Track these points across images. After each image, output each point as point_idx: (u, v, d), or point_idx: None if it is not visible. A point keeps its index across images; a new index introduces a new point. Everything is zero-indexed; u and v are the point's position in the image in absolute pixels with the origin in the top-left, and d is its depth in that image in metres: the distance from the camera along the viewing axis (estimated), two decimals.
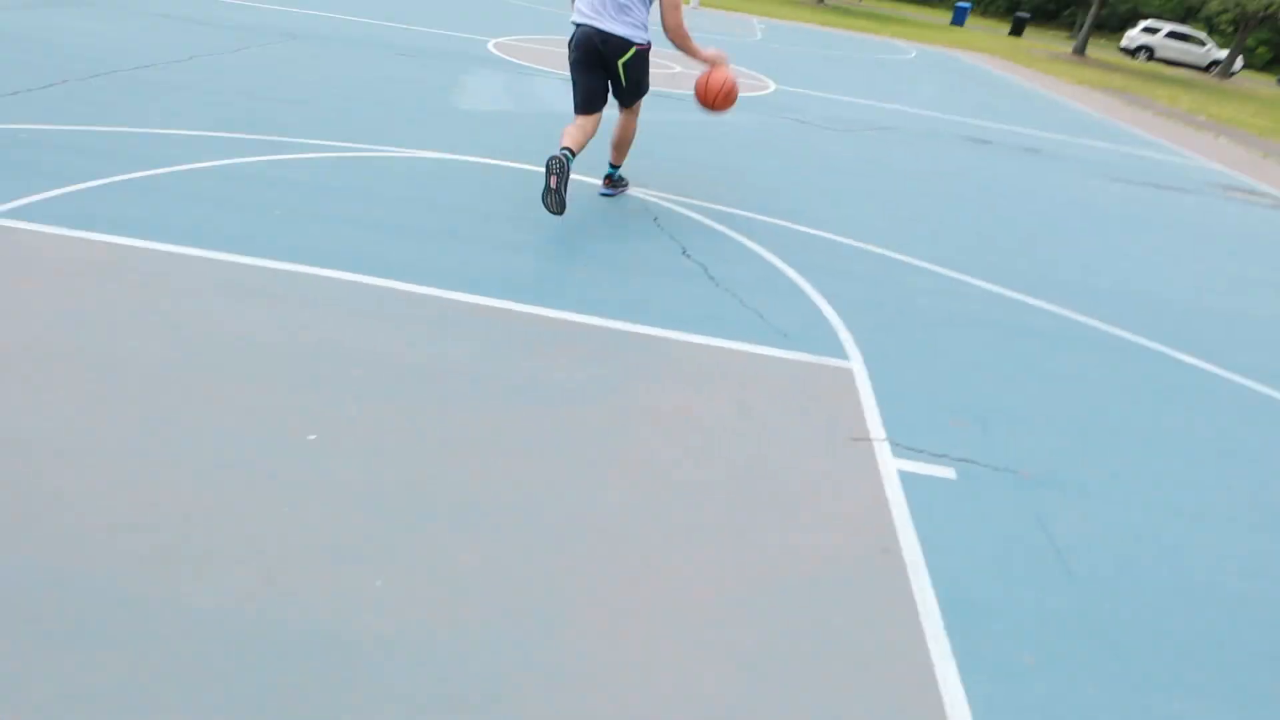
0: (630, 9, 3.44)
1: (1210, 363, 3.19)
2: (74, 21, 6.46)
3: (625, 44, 3.47)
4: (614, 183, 3.98)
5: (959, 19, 32.09)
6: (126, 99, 4.30)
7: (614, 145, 3.88)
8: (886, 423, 2.30)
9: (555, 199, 3.21)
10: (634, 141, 3.93)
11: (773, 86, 8.46)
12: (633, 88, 3.65)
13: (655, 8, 3.54)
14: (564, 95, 6.02)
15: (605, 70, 3.54)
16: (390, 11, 9.48)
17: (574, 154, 3.35)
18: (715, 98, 3.62)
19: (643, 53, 3.57)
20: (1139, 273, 4.24)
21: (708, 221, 3.84)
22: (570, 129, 3.52)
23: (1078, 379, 2.86)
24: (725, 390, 2.35)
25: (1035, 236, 4.59)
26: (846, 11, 28.42)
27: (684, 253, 3.41)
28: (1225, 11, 27.58)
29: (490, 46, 8.11)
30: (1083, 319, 3.43)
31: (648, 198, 4.05)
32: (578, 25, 3.51)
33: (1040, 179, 6.17)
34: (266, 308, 2.40)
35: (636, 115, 3.83)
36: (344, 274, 2.70)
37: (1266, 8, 24.18)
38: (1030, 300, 3.55)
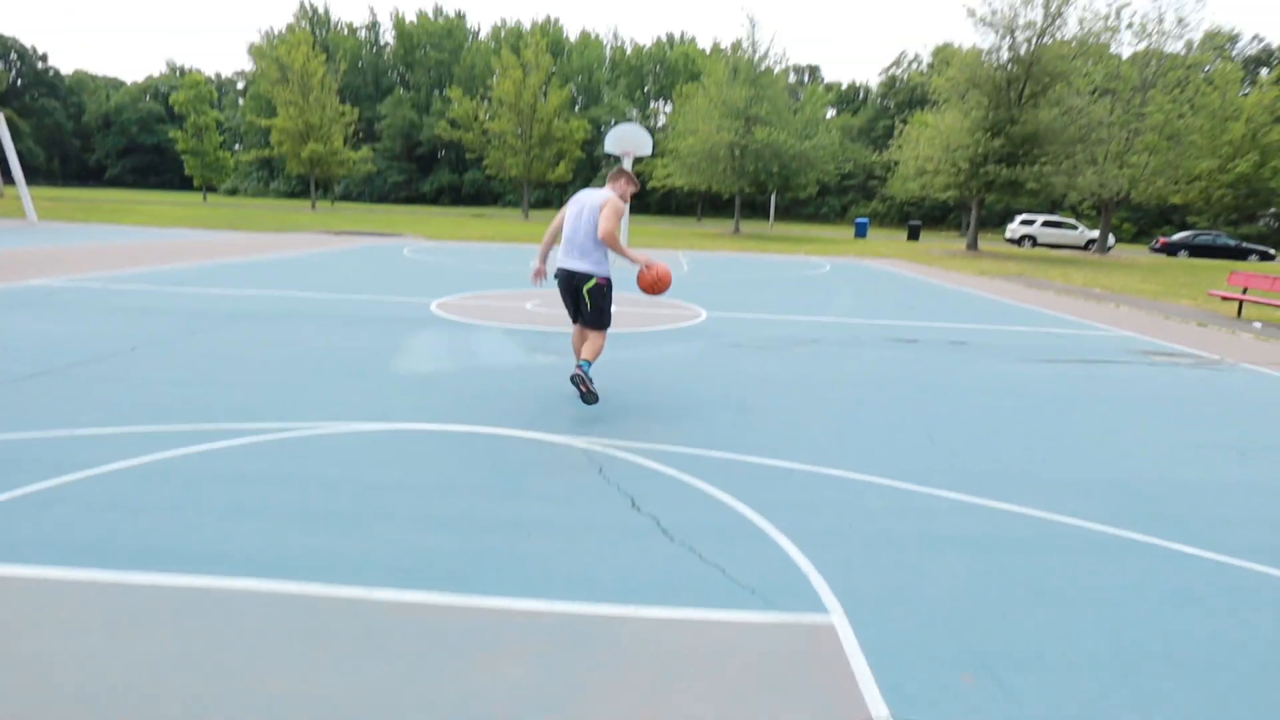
0: (589, 251, 4.48)
1: (1214, 551, 3.00)
2: (24, 323, 6.52)
3: (586, 276, 4.49)
4: (584, 376, 4.38)
5: (861, 232, 35.90)
6: (51, 400, 4.14)
7: (584, 348, 4.57)
8: (886, 693, 1.98)
9: (590, 399, 4.34)
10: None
11: (704, 315, 8.92)
12: (595, 314, 4.56)
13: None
14: (505, 347, 6.24)
15: (574, 296, 4.58)
16: (339, 285, 9.98)
17: (588, 361, 4.43)
18: (652, 286, 4.63)
19: (601, 285, 4.51)
20: (1101, 456, 4.19)
21: (655, 465, 3.70)
22: (574, 340, 4.81)
23: (1079, 595, 2.61)
24: (693, 683, 2.02)
25: (986, 432, 4.57)
26: (761, 238, 31.52)
27: (633, 505, 3.21)
28: (1084, 200, 31.61)
29: (433, 307, 8.45)
30: (1060, 519, 3.27)
31: (591, 446, 3.93)
32: (559, 267, 4.59)
33: (974, 370, 6.36)
34: (159, 639, 2.04)
35: (601, 337, 4.62)
36: (256, 582, 2.39)
37: (1117, 194, 27.83)
38: (1000, 505, 3.40)
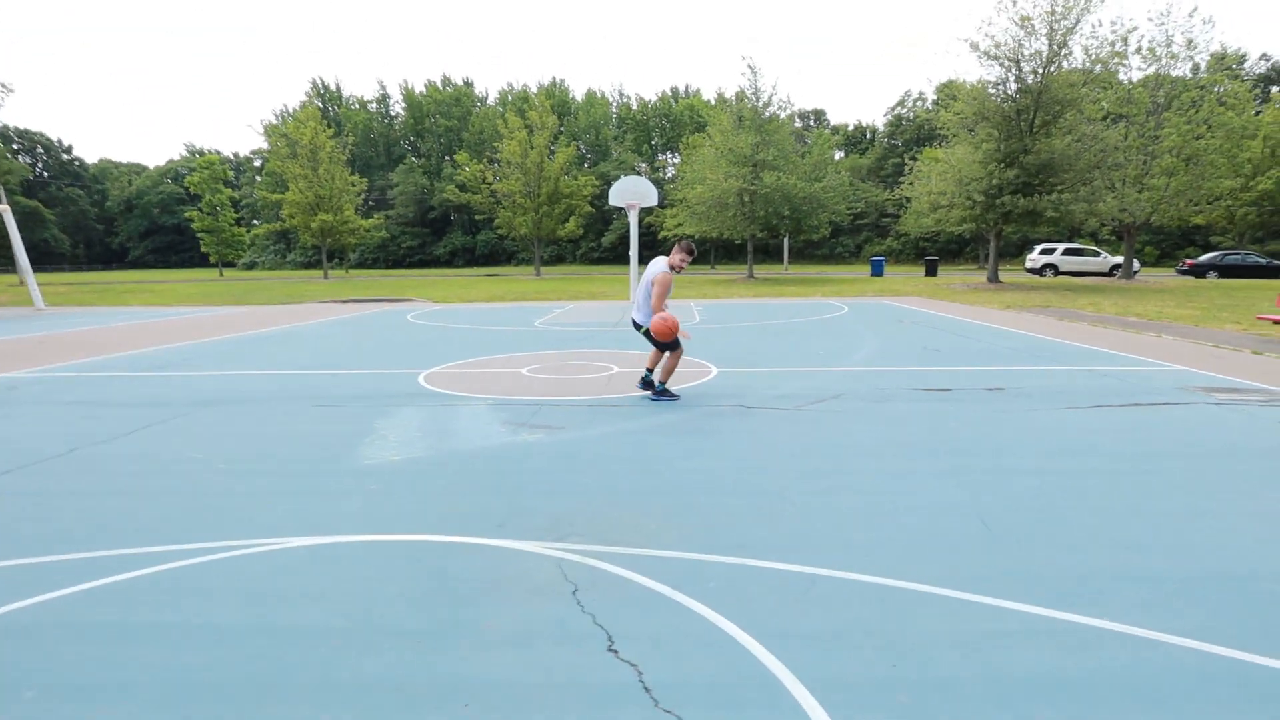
0: (643, 307, 6.69)
1: None
2: None
3: (641, 325, 6.73)
4: (656, 391, 6.77)
5: (878, 270, 35.25)
6: None
7: (654, 364, 6.88)
8: None
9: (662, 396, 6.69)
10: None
11: (713, 371, 8.22)
12: (658, 344, 6.62)
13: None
14: (487, 425, 5.24)
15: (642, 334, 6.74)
16: (329, 359, 9.45)
17: (650, 371, 6.87)
18: (660, 333, 6.44)
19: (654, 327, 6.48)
20: (1198, 539, 3.38)
21: (642, 580, 2.96)
22: (650, 359, 6.92)
23: None
24: None
25: (1048, 508, 3.78)
26: (776, 281, 30.97)
27: (610, 646, 2.47)
28: (1104, 226, 30.79)
29: (421, 379, 7.85)
30: (1171, 639, 2.47)
31: (566, 555, 3.21)
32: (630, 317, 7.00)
33: (1019, 423, 5.57)
34: None
35: (670, 358, 6.67)
36: None
37: (1139, 218, 27.02)
38: (1094, 622, 2.61)
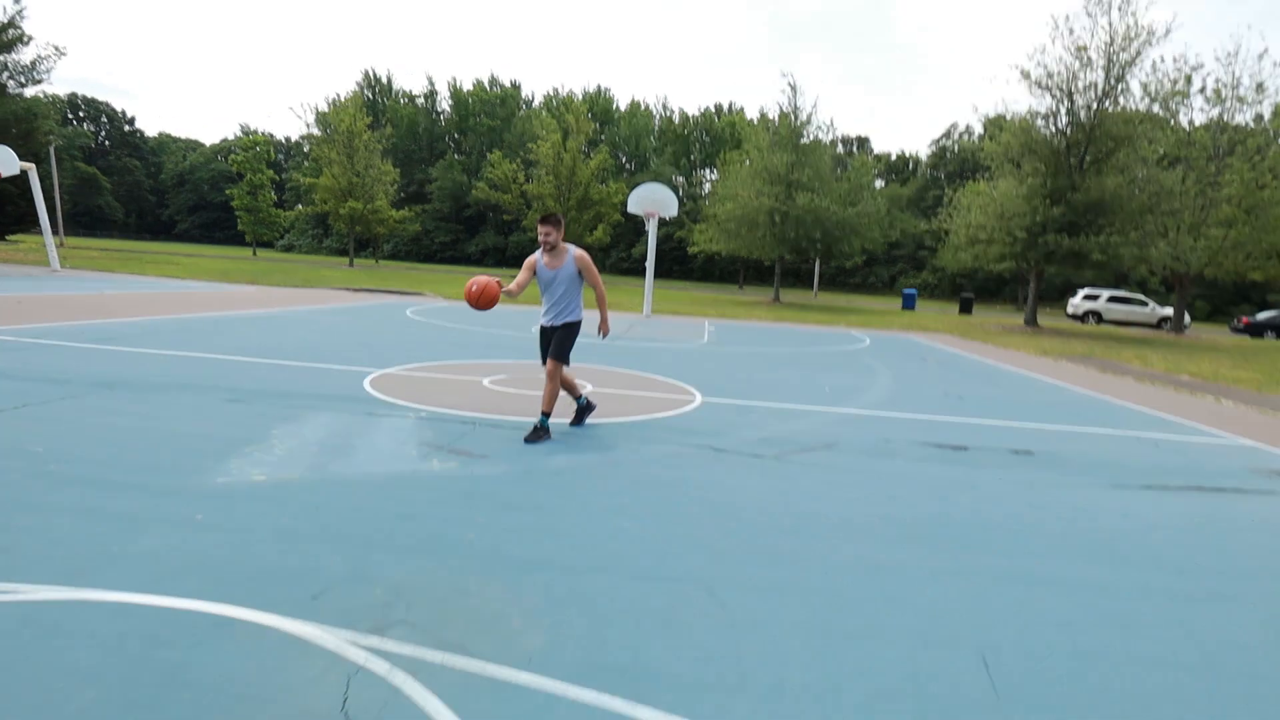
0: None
1: None
2: None
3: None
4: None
5: (909, 304, 33.88)
6: None
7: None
8: None
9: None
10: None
11: (696, 400, 7.21)
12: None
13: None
14: (401, 445, 3.88)
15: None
16: (290, 348, 8.63)
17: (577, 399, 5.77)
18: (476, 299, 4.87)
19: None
20: None
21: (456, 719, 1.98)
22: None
23: None
24: None
25: (1083, 652, 2.70)
26: (803, 307, 29.80)
27: None
28: (1154, 274, 29.11)
29: (366, 382, 6.96)
30: None
31: (370, 661, 2.23)
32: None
33: (1050, 504, 4.46)
34: None
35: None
36: None
37: (1194, 268, 25.36)
38: None
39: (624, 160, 71.06)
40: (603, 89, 75.85)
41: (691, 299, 30.70)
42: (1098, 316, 31.94)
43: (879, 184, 58.54)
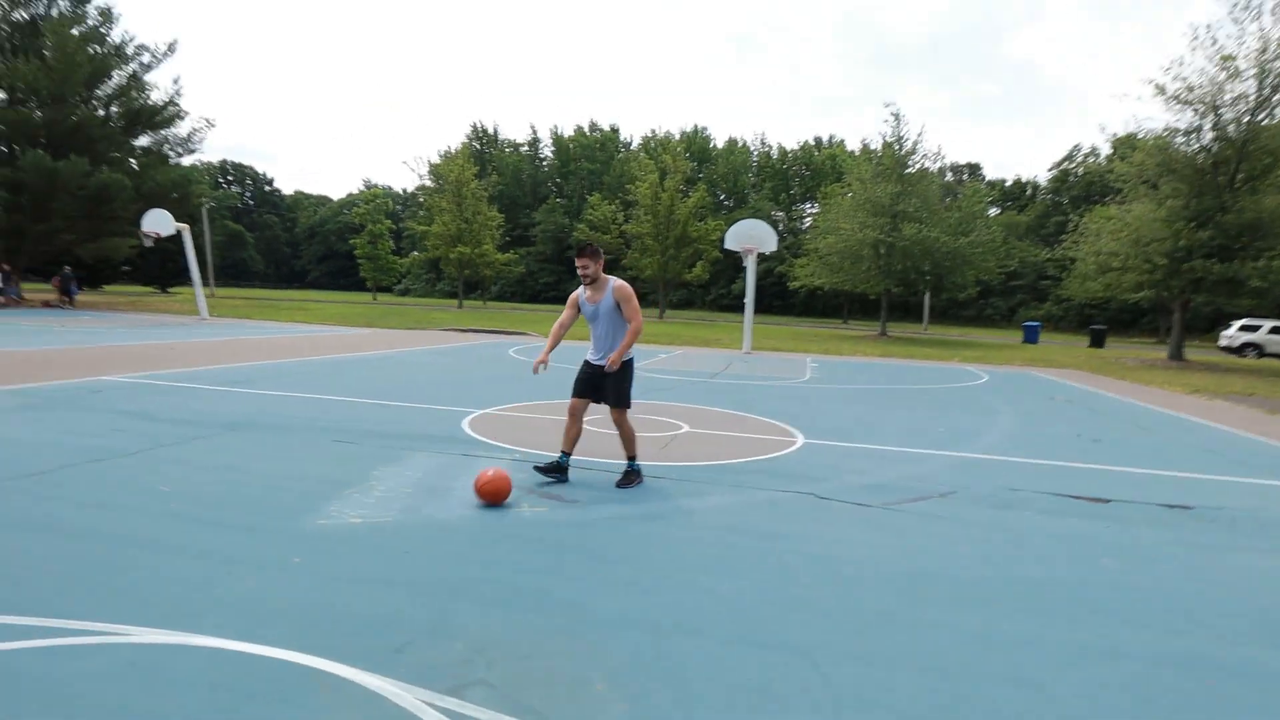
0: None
1: None
2: (13, 430, 5.80)
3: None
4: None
5: (1031, 337, 31.71)
6: None
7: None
8: None
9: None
10: None
11: (798, 441, 6.88)
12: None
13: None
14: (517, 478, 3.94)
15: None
16: (396, 389, 8.99)
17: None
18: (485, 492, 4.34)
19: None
20: None
21: None
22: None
23: None
24: None
25: None
26: (912, 342, 28.51)
27: None
28: None
29: (466, 423, 7.10)
30: None
31: None
32: None
33: (1216, 571, 3.86)
34: None
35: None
36: None
37: None
38: None
39: (722, 197, 71.40)
40: (699, 128, 76.94)
41: (793, 334, 30.03)
42: (1258, 349, 28.68)
43: (993, 211, 55.72)
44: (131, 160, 31.63)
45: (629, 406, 5.03)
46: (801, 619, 3.00)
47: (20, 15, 29.96)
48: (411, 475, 4.99)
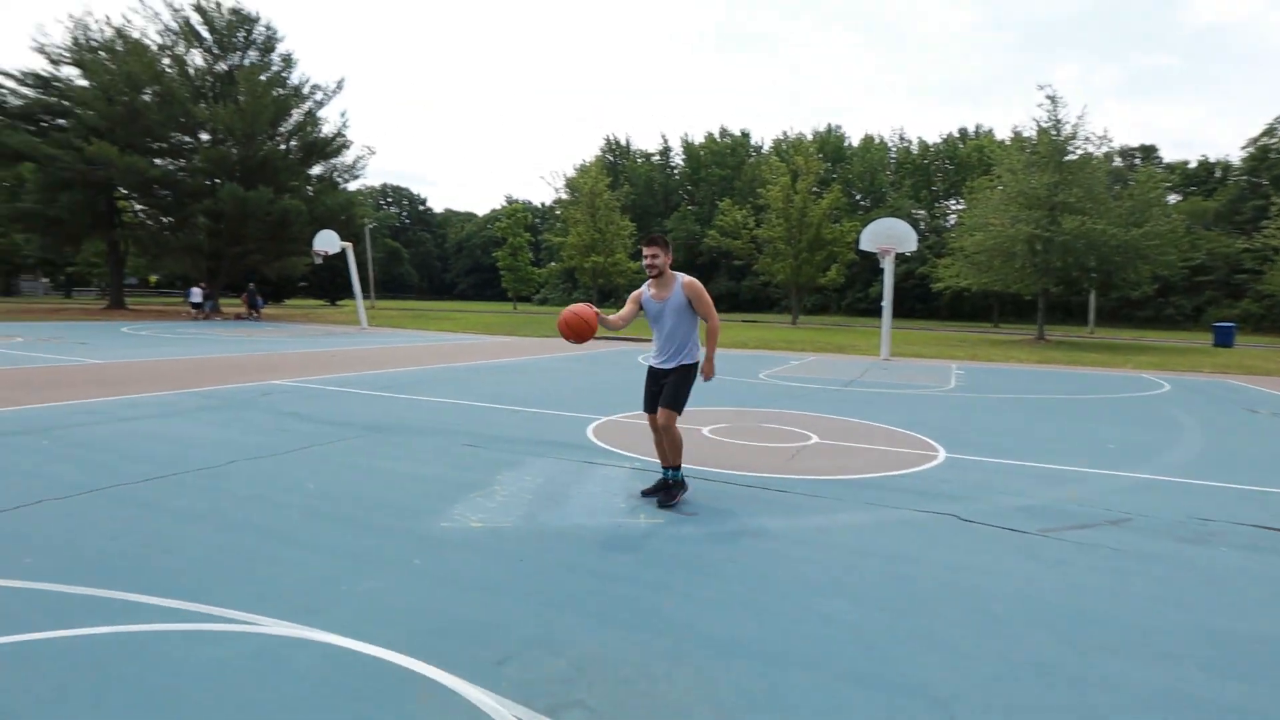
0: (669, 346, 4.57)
1: None
2: (195, 428, 6.56)
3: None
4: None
5: (1224, 339, 27.84)
6: (70, 529, 3.46)
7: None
8: None
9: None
10: None
11: (940, 456, 6.33)
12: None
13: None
14: (612, 497, 3.95)
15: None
16: (526, 395, 9.27)
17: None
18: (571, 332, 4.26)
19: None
20: None
21: None
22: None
23: None
24: None
25: None
26: (1075, 346, 25.92)
27: None
28: None
29: (589, 429, 7.15)
30: None
31: None
32: None
33: None
34: None
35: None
36: None
37: None
38: None
39: (858, 198, 68.72)
40: (833, 127, 74.52)
41: (936, 339, 28.22)
42: None
43: (1172, 199, 49.65)
44: (307, 187, 35.21)
45: (680, 412, 4.51)
46: (938, 660, 2.67)
47: (221, 67, 34.25)
48: (532, 481, 5.05)
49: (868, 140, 72.50)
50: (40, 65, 32.13)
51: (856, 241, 41.75)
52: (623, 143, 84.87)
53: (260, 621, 2.75)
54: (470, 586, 3.19)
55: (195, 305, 30.74)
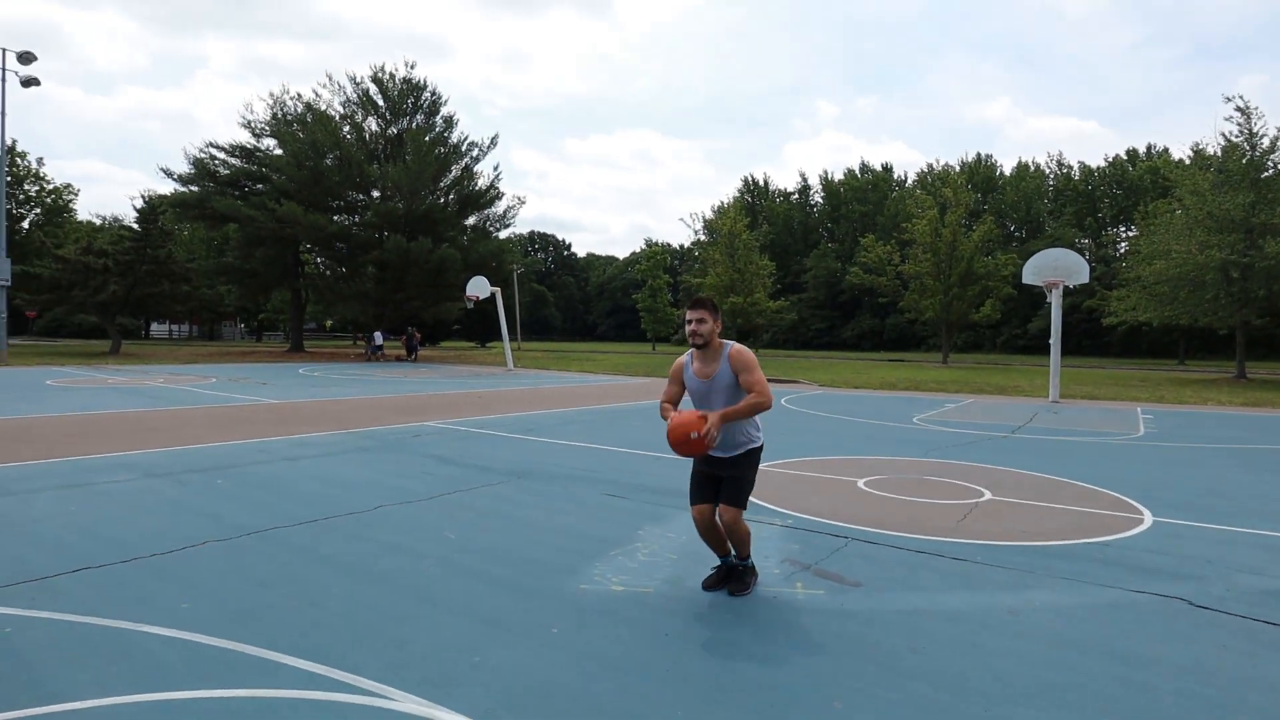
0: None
1: None
2: (350, 469, 6.87)
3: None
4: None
5: None
6: (226, 573, 3.61)
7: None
8: None
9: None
10: None
11: (1146, 519, 5.36)
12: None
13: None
14: (765, 553, 3.50)
15: None
16: (656, 440, 9.00)
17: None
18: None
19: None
20: None
21: None
22: None
23: None
24: None
25: None
26: None
27: None
28: None
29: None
30: None
31: None
32: None
33: None
34: None
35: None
36: None
37: None
38: None
39: (1012, 228, 64.10)
40: (982, 156, 70.45)
41: (1111, 379, 25.25)
42: None
43: None
44: (462, 237, 37.78)
45: (745, 508, 3.64)
46: None
47: (391, 131, 37.85)
48: (677, 538, 4.73)
49: (1022, 168, 67.88)
50: (245, 138, 37.12)
51: (1014, 275, 38.68)
52: (761, 183, 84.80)
53: (391, 695, 2.59)
54: (611, 664, 2.90)
55: (377, 348, 33.48)
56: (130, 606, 3.36)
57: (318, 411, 11.76)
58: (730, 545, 3.74)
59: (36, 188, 44.09)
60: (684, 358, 3.80)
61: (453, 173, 37.61)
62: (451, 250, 33.66)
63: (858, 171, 77.97)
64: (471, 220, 39.47)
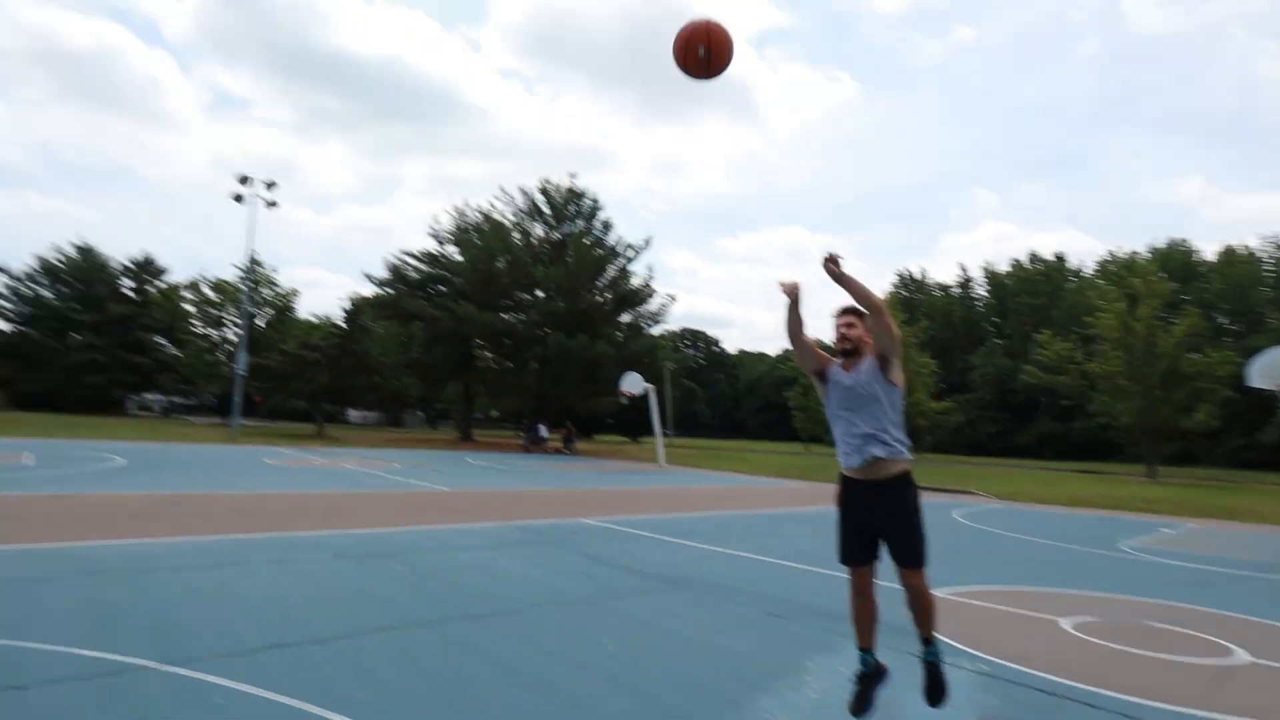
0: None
1: None
2: (513, 564, 6.99)
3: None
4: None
5: None
6: (398, 663, 3.69)
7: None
8: None
9: None
10: None
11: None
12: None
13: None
14: (961, 707, 3.56)
15: None
16: (817, 553, 8.43)
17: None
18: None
19: None
20: None
21: None
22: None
23: None
24: None
25: None
26: None
27: None
28: None
29: None
30: None
31: None
32: None
33: None
34: None
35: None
36: None
37: None
38: None
39: (1224, 321, 56.58)
40: (1175, 241, 63.69)
41: None
42: None
43: None
44: (617, 333, 39.37)
45: (925, 564, 3.16)
46: None
47: (555, 235, 40.95)
48: (848, 673, 4.23)
49: (1229, 252, 60.50)
50: (432, 246, 41.59)
51: (1234, 376, 33.69)
52: (917, 276, 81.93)
53: None
54: None
55: (539, 439, 35.05)
56: (315, 689, 3.46)
57: (483, 501, 12.27)
58: (915, 625, 3.21)
59: (271, 293, 51.72)
60: (834, 362, 3.46)
61: (609, 273, 39.71)
62: (606, 346, 35.06)
63: (1026, 261, 73.20)
64: (626, 318, 41.12)
